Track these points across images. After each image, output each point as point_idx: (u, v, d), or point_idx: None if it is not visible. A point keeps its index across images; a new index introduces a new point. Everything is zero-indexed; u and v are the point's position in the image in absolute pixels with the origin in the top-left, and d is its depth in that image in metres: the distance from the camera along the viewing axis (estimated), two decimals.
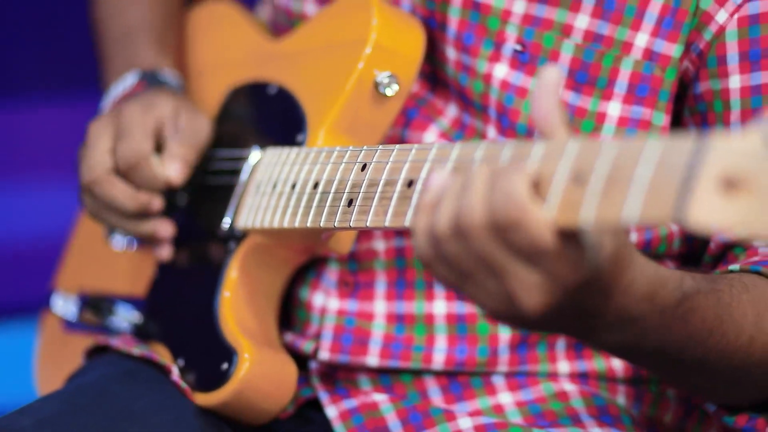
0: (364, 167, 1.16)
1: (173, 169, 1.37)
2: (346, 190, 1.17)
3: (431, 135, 1.35)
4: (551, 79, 0.98)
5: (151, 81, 1.46)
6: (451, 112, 1.36)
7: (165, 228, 1.39)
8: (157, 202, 1.38)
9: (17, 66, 2.37)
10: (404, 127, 1.36)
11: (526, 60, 1.30)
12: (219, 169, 1.38)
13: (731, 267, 1.25)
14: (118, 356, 1.38)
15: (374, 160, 1.15)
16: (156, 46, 1.53)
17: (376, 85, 1.29)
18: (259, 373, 1.28)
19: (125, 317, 1.42)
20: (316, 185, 1.21)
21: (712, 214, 0.89)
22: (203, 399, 1.29)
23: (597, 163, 0.95)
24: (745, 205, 0.88)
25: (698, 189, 0.90)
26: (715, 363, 1.15)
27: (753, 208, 0.88)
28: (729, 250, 1.31)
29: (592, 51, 1.29)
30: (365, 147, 1.18)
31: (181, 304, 1.37)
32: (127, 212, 1.38)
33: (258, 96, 1.41)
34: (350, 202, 1.16)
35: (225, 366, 1.28)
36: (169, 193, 1.39)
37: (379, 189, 1.12)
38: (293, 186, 1.24)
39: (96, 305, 1.45)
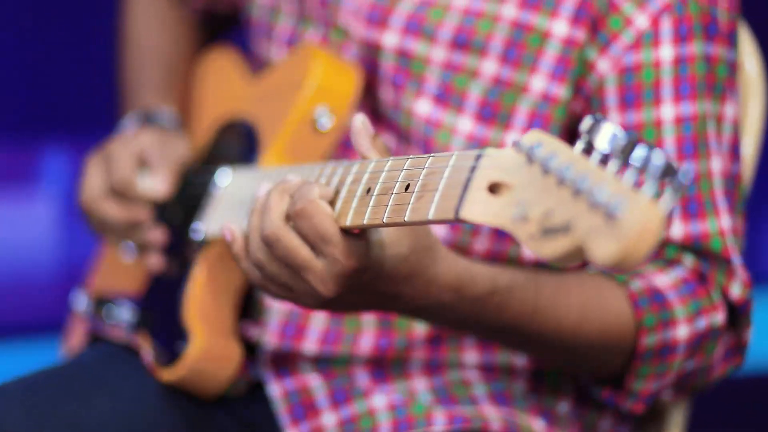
0: None
1: (154, 184, 1.67)
2: None
3: None
4: (357, 123, 1.29)
5: (148, 120, 1.78)
6: (386, 141, 1.63)
7: (155, 235, 1.67)
8: (143, 214, 1.67)
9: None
10: (345, 152, 1.63)
11: (442, 97, 1.57)
12: (198, 183, 1.67)
13: (589, 270, 1.50)
14: (107, 344, 1.68)
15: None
16: (161, 86, 1.85)
17: (314, 119, 1.57)
18: (204, 353, 1.55)
19: (124, 314, 1.71)
20: None
21: (480, 210, 1.14)
22: (163, 374, 1.58)
23: (385, 176, 1.25)
24: (503, 201, 1.12)
25: (472, 191, 1.15)
26: (550, 342, 1.44)
27: (506, 203, 1.12)
28: None
29: (496, 91, 1.55)
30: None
31: (162, 296, 1.66)
32: (119, 226, 1.68)
33: (233, 127, 1.70)
34: None
35: (181, 346, 1.56)
36: (159, 205, 1.69)
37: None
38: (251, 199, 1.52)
39: (101, 304, 1.75)
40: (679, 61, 1.51)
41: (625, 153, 1.05)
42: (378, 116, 1.63)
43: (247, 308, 1.65)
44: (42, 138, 2.48)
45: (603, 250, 1.00)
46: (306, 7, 1.68)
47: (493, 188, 1.13)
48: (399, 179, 1.23)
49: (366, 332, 1.60)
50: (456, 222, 1.15)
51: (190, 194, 1.68)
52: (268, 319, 1.62)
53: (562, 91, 1.54)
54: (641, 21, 1.51)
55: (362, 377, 1.60)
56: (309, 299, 1.31)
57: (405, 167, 1.23)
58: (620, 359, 1.49)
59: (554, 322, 1.43)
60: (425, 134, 1.57)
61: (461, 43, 1.56)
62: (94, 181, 1.70)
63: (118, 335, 1.68)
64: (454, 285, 1.34)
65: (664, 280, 1.50)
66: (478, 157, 1.16)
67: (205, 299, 1.59)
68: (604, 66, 1.52)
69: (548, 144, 1.11)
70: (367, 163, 1.28)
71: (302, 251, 1.27)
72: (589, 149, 1.08)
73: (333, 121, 1.58)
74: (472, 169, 1.15)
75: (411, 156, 1.24)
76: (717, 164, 1.53)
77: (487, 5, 1.56)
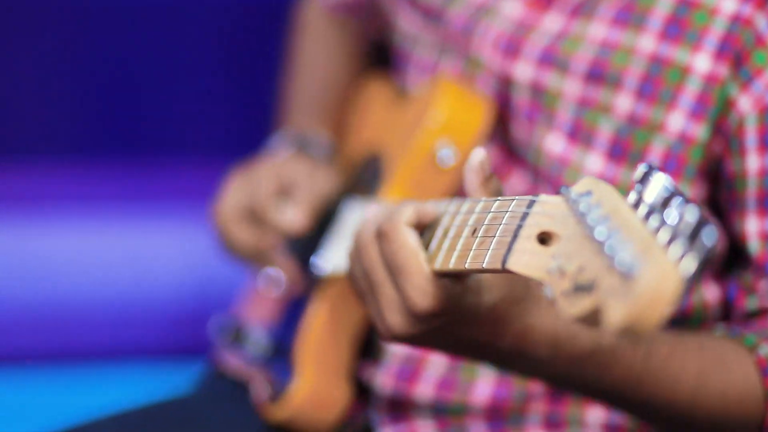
0: None
1: (292, 216, 1.62)
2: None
3: None
4: (473, 159, 1.20)
5: (302, 146, 1.73)
6: (514, 178, 1.53)
7: (281, 265, 1.63)
8: (271, 243, 1.63)
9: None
10: None
11: (573, 134, 1.46)
12: (330, 216, 1.63)
13: (716, 331, 1.36)
14: (221, 379, 1.65)
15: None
16: (323, 110, 1.81)
17: (434, 155, 1.49)
18: (311, 395, 1.50)
19: (255, 343, 1.68)
20: None
21: (526, 261, 1.04)
22: (269, 411, 1.53)
23: (460, 219, 1.16)
24: (549, 252, 1.03)
25: (521, 239, 1.06)
26: (661, 410, 1.29)
27: (551, 255, 1.02)
28: (751, 317, 1.41)
29: (629, 128, 1.43)
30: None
31: (288, 328, 1.62)
32: (246, 250, 1.64)
33: (368, 158, 1.65)
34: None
35: (288, 384, 1.52)
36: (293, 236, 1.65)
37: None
38: None
39: (237, 330, 1.73)
40: None
41: (664, 207, 0.94)
42: (509, 153, 1.54)
43: (366, 348, 1.59)
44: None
45: (613, 312, 0.90)
46: (445, 37, 1.60)
47: (545, 238, 1.04)
48: (470, 222, 1.15)
49: (483, 381, 1.51)
50: (503, 272, 1.06)
51: (321, 227, 1.63)
52: (385, 361, 1.56)
53: (700, 131, 1.41)
54: None
55: (477, 428, 1.51)
56: (380, 322, 1.23)
57: (477, 210, 1.16)
58: None
59: (666, 390, 1.29)
60: (555, 172, 1.47)
61: (595, 76, 1.46)
62: (232, 199, 1.65)
63: (237, 368, 1.65)
64: (550, 340, 1.23)
65: None
66: (531, 204, 1.07)
67: (320, 338, 1.54)
68: (745, 104, 1.39)
69: (599, 192, 1.01)
70: (460, 204, 1.20)
71: (380, 272, 1.21)
72: (639, 201, 0.98)
73: (457, 157, 1.50)
74: (524, 216, 1.07)
75: (484, 198, 1.16)
76: None
77: (624, 36, 1.45)
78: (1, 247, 2.43)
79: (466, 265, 1.12)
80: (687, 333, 1.36)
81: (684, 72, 1.42)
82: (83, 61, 2.49)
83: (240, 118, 2.51)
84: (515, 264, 1.05)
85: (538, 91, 1.49)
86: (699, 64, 1.41)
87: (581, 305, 0.94)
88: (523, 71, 1.50)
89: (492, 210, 1.12)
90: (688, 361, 1.30)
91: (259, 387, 1.58)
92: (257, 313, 1.74)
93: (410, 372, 1.54)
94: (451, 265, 1.15)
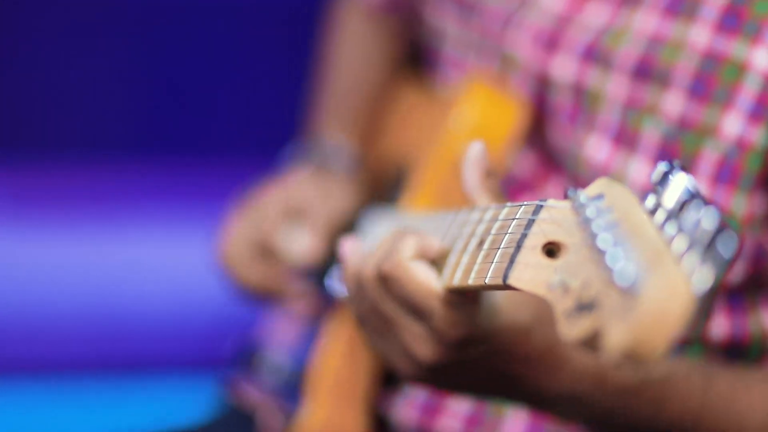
0: None
1: (301, 245, 1.48)
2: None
3: None
4: (471, 156, 1.06)
5: (323, 163, 1.59)
6: (551, 187, 1.38)
7: (298, 294, 1.49)
8: (285, 278, 1.49)
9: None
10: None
11: (616, 138, 1.30)
12: (349, 230, 1.49)
13: None
14: (233, 408, 1.52)
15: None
16: (354, 119, 1.66)
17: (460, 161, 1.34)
18: (319, 426, 1.36)
19: (273, 367, 1.54)
20: None
21: (529, 276, 0.89)
22: None
23: (468, 230, 1.02)
24: (555, 265, 0.88)
25: (525, 251, 0.91)
26: None
27: (555, 268, 0.87)
28: None
29: (678, 131, 1.27)
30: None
31: (305, 352, 1.48)
32: (260, 291, 1.51)
33: (395, 165, 1.50)
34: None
35: (299, 413, 1.38)
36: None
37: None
38: None
39: (256, 353, 1.59)
40: None
41: (683, 211, 0.79)
42: (547, 160, 1.39)
43: (388, 378, 1.44)
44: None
45: (612, 336, 0.74)
46: (480, 32, 1.45)
47: (552, 249, 0.89)
48: (476, 233, 1.01)
49: (512, 417, 1.36)
50: (505, 288, 0.91)
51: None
52: (408, 392, 1.41)
53: (759, 136, 1.23)
54: None
55: None
56: (404, 358, 1.08)
57: (484, 218, 1.01)
58: None
59: (731, 426, 1.14)
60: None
61: (642, 74, 1.29)
62: (238, 234, 1.52)
63: (250, 396, 1.52)
64: (593, 371, 1.08)
65: None
66: (537, 210, 0.92)
67: (336, 365, 1.40)
68: None
69: (611, 196, 0.85)
70: (468, 212, 1.06)
71: (394, 309, 1.06)
72: (658, 206, 0.83)
73: None
74: (529, 224, 0.92)
75: (493, 206, 1.02)
76: None
77: (674, 29, 1.28)
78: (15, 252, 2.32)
79: (470, 282, 0.98)
80: (747, 366, 1.19)
81: (741, 69, 1.25)
82: (100, 57, 2.40)
83: (270, 119, 2.39)
84: (517, 279, 0.90)
85: (579, 90, 1.34)
86: (759, 60, 1.24)
87: (581, 327, 0.79)
88: (563, 69, 1.35)
89: (500, 218, 0.97)
90: (755, 394, 1.13)
91: (269, 417, 1.45)
92: (277, 335, 1.61)
93: (435, 404, 1.39)
94: (456, 282, 1.00)
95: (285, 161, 1.64)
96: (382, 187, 1.52)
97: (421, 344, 1.04)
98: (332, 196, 1.53)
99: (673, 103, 1.28)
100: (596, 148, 1.32)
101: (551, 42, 1.35)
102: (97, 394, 2.26)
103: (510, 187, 1.39)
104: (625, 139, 1.30)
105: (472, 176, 1.07)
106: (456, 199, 1.35)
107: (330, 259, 1.47)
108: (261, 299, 1.53)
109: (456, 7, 1.48)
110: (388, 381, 1.42)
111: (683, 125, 1.27)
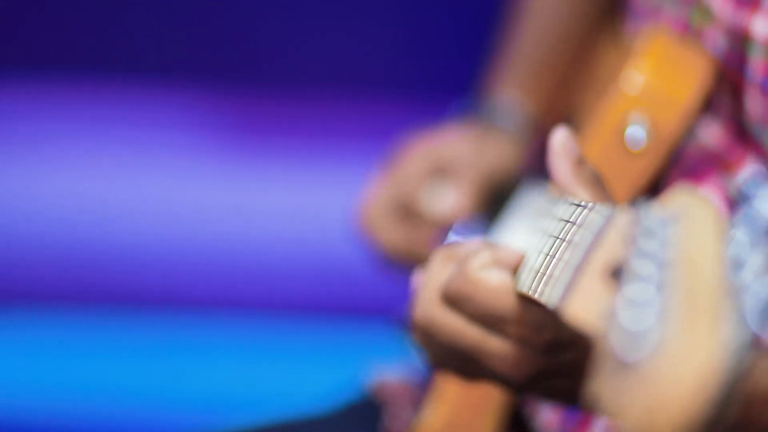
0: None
1: (448, 202, 1.33)
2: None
3: (708, 190, 1.14)
4: (556, 143, 0.92)
5: (489, 118, 1.42)
6: (746, 168, 1.14)
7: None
8: (429, 239, 1.33)
9: None
10: (681, 175, 1.17)
11: None
12: (508, 196, 1.30)
13: None
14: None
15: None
16: (535, 79, 1.46)
17: (622, 133, 1.12)
18: (440, 428, 1.19)
19: None
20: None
21: (582, 303, 0.69)
22: None
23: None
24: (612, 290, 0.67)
25: (586, 272, 0.70)
26: None
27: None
28: None
29: None
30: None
31: None
32: (401, 254, 1.36)
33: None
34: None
35: (422, 413, 1.22)
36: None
37: None
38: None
39: None
40: None
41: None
42: (740, 134, 1.15)
43: None
44: None
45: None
46: None
47: (619, 270, 0.68)
48: (554, 234, 0.81)
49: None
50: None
51: (493, 210, 1.30)
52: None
53: None
54: None
55: None
56: (500, 384, 0.94)
57: (560, 216, 0.82)
58: None
59: None
60: None
61: None
62: (379, 194, 1.38)
63: (390, 384, 1.36)
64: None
65: None
66: (610, 217, 0.71)
67: None
68: None
69: (689, 218, 0.63)
70: (559, 205, 0.87)
71: (472, 332, 0.91)
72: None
73: (651, 137, 1.11)
74: (598, 235, 0.71)
75: (571, 200, 0.83)
76: None
77: None
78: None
79: (530, 292, 0.80)
80: None
81: None
82: None
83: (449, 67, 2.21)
84: (570, 306, 0.69)
85: None
86: None
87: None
88: (762, 26, 1.10)
89: (572, 219, 0.77)
90: None
91: (396, 412, 1.29)
92: None
93: (579, 414, 1.19)
94: (524, 289, 0.82)
95: (450, 115, 1.45)
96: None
97: (509, 365, 0.91)
98: (486, 152, 1.37)
99: None
100: None
101: None
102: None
103: (698, 160, 1.16)
104: None
105: (561, 168, 0.91)
106: (613, 178, 1.13)
107: (481, 221, 1.31)
108: (401, 262, 1.38)
109: None
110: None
111: None
